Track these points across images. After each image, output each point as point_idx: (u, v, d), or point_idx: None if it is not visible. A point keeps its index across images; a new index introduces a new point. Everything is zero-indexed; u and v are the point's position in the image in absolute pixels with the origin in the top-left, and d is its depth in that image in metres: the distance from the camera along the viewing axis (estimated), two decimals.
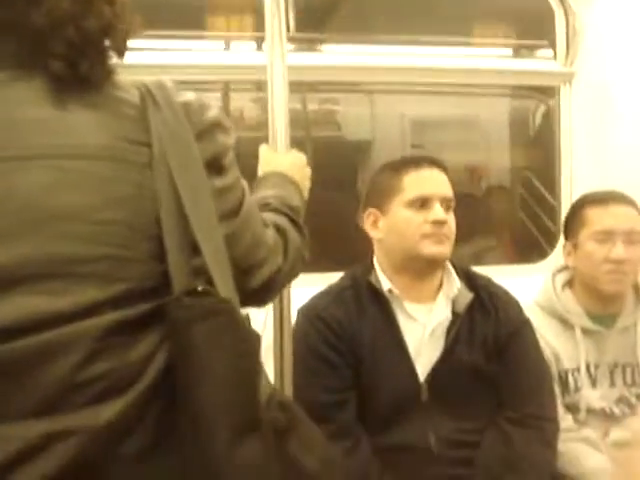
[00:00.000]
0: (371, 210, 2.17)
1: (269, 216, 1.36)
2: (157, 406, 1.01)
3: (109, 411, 0.97)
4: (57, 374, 0.96)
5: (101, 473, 0.98)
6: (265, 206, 1.41)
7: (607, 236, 2.28)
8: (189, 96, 1.13)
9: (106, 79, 1.06)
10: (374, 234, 2.17)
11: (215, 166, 1.12)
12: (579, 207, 2.39)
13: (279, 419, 1.14)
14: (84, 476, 0.97)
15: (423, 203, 2.07)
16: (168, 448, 1.01)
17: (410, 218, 2.07)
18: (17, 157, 0.97)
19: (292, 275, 1.38)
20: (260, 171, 1.68)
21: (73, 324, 0.97)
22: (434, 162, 2.14)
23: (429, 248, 2.05)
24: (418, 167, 2.11)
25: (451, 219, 2.10)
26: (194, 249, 1.05)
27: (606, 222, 2.29)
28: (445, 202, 2.09)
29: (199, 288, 1.05)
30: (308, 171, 1.70)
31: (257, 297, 1.30)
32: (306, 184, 1.65)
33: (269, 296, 1.38)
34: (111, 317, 0.99)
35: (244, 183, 1.23)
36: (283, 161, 1.68)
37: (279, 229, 1.33)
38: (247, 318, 1.09)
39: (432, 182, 2.11)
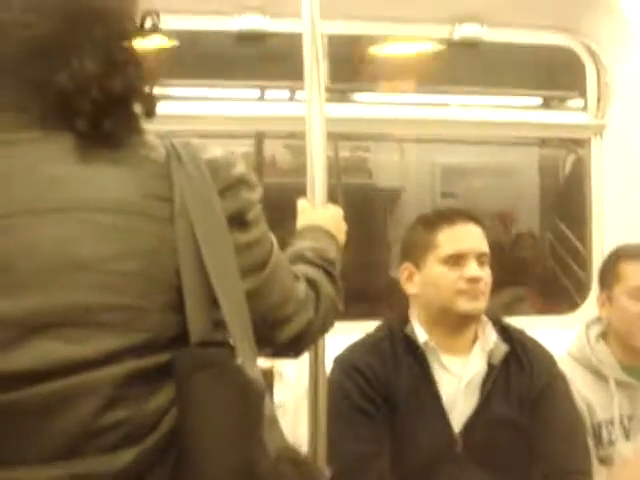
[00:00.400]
0: (406, 265, 2.17)
1: (303, 268, 1.36)
2: (172, 455, 1.02)
3: (125, 458, 0.98)
4: (76, 420, 0.97)
5: None
6: (300, 258, 1.41)
7: None
8: (216, 152, 1.14)
9: (131, 137, 1.07)
10: (409, 288, 2.17)
11: (238, 221, 1.13)
12: (614, 260, 2.38)
13: (287, 474, 1.12)
14: None
15: (458, 259, 2.07)
16: None
17: (445, 275, 2.07)
18: (39, 210, 0.99)
19: (325, 327, 1.38)
20: (298, 224, 1.68)
21: (93, 371, 0.98)
22: (469, 216, 2.15)
23: (464, 305, 2.05)
24: (452, 223, 2.11)
25: (486, 274, 2.09)
26: (215, 302, 1.05)
27: None
28: (480, 257, 2.09)
29: (215, 339, 1.05)
30: (344, 226, 1.70)
31: (289, 350, 1.31)
32: (342, 238, 1.64)
33: (301, 349, 1.37)
34: (130, 366, 1.00)
35: (272, 238, 1.23)
36: (321, 215, 1.69)
37: (311, 282, 1.33)
38: (259, 373, 1.08)
39: (467, 238, 2.11)
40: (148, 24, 1.13)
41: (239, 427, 1.02)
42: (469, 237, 2.11)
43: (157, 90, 1.11)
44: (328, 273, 1.40)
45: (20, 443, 0.96)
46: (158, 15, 1.13)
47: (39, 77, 1.04)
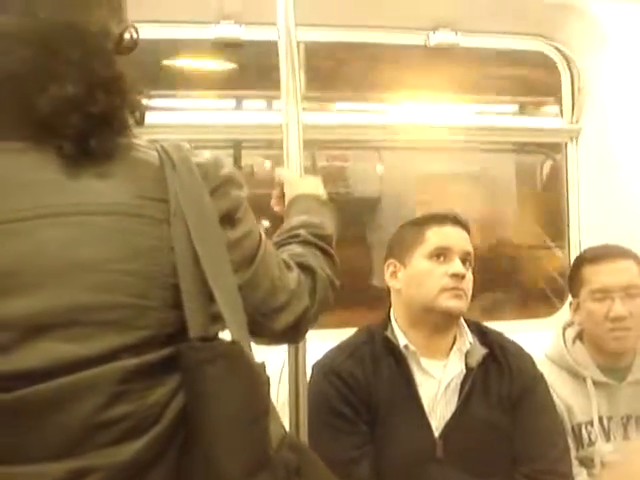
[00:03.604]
0: (391, 261, 2.20)
1: (297, 250, 1.40)
2: (175, 447, 1.04)
3: (129, 450, 1.00)
4: (80, 416, 0.99)
5: None
6: (294, 237, 1.45)
7: (604, 294, 2.27)
8: (205, 155, 1.19)
9: (118, 149, 1.10)
10: (393, 284, 2.19)
11: (229, 219, 1.18)
12: (578, 265, 2.39)
13: (290, 460, 1.17)
14: None
15: (444, 255, 2.10)
16: None
17: (430, 270, 2.10)
18: (37, 216, 1.01)
19: (322, 309, 1.41)
20: (289, 193, 1.69)
21: (95, 369, 1.00)
22: (458, 221, 2.17)
23: (447, 302, 2.07)
24: (441, 223, 2.16)
25: (469, 275, 2.12)
26: (211, 297, 1.09)
27: (601, 280, 2.29)
28: (465, 257, 2.12)
29: (211, 334, 1.09)
30: (325, 195, 1.70)
31: (287, 337, 1.38)
32: None
33: (300, 335, 1.43)
34: (132, 362, 1.03)
35: (260, 229, 1.27)
36: (309, 183, 1.71)
37: (305, 268, 1.36)
38: (262, 365, 1.12)
39: (454, 236, 2.14)
40: (127, 38, 1.16)
41: (251, 416, 1.06)
42: (456, 236, 2.15)
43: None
44: (323, 250, 1.44)
45: (25, 441, 0.99)
46: (137, 30, 1.17)
47: (20, 103, 1.05)
